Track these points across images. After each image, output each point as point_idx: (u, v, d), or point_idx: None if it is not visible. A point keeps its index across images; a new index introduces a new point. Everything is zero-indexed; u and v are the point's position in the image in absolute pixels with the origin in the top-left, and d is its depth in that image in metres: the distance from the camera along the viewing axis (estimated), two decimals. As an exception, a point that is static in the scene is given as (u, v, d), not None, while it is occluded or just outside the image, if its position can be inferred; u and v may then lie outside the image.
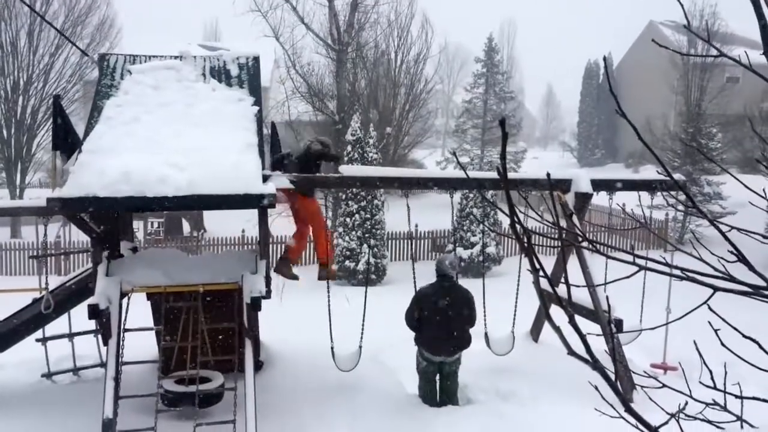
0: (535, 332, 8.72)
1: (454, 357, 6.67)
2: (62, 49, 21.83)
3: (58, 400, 6.83)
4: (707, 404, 1.86)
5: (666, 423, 1.61)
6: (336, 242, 16.98)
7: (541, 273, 1.40)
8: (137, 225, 18.42)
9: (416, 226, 18.84)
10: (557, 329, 1.50)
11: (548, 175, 1.71)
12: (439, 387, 6.84)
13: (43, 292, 6.58)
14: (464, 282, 7.28)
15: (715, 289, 1.68)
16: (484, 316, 7.45)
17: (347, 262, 16.57)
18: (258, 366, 7.11)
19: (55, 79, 22.09)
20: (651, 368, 7.79)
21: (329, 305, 7.02)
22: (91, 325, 7.08)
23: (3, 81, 21.44)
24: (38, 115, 21.88)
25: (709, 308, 1.62)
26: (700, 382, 1.74)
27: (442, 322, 6.51)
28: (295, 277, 7.45)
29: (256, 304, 5.96)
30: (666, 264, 1.80)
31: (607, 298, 1.71)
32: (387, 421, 6.33)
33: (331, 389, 7.00)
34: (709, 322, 1.72)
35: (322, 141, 7.35)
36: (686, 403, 1.68)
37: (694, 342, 1.77)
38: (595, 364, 1.43)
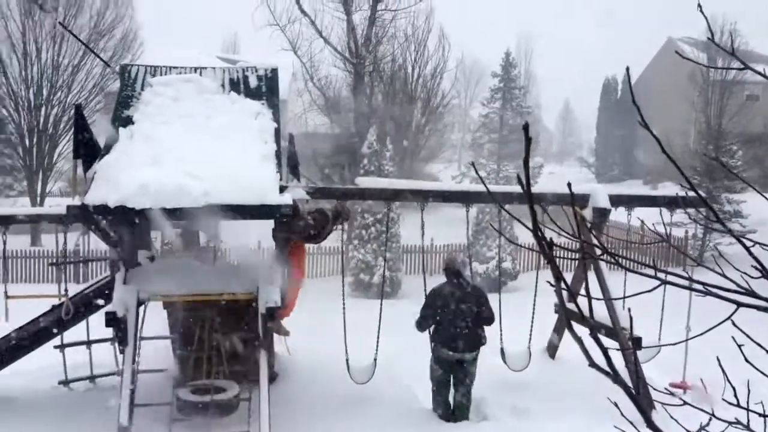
0: (552, 348, 8.63)
1: (473, 355, 6.69)
2: (85, 61, 22.18)
3: (74, 408, 6.86)
4: (729, 423, 1.82)
5: (688, 439, 1.58)
6: (351, 255, 16.98)
7: (562, 284, 1.38)
8: (154, 235, 18.56)
9: (432, 240, 18.80)
10: (579, 340, 1.49)
11: (569, 185, 1.70)
12: (453, 401, 6.81)
13: (63, 298, 6.64)
14: None
15: (738, 304, 1.65)
16: (500, 331, 7.41)
17: (362, 275, 16.56)
18: (273, 377, 7.11)
19: (78, 90, 22.43)
20: (670, 387, 7.68)
21: (344, 318, 7.01)
22: (109, 333, 7.11)
23: (26, 91, 21.80)
24: (60, 125, 22.21)
25: (733, 323, 1.59)
26: (723, 399, 1.71)
27: (459, 319, 6.59)
28: (286, 333, 7.51)
29: (271, 315, 5.98)
30: (687, 278, 1.78)
31: (629, 310, 1.70)
32: (401, 435, 6.29)
33: (345, 401, 6.97)
34: (733, 338, 1.70)
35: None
36: (710, 420, 1.65)
37: (717, 358, 1.74)
38: (616, 378, 1.41)
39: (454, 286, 6.77)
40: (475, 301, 6.73)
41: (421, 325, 6.79)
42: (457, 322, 6.59)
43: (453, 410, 6.78)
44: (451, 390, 6.85)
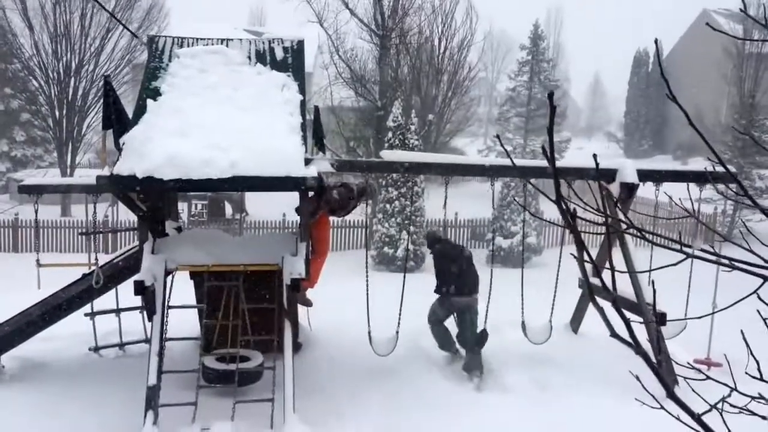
0: (575, 323, 8.62)
1: (476, 296, 7.54)
2: (113, 33, 22.33)
3: (104, 373, 7.05)
4: (753, 397, 1.82)
5: (708, 411, 1.58)
6: (375, 228, 17.04)
7: (585, 255, 1.38)
8: (181, 206, 18.81)
9: (456, 214, 18.78)
10: (600, 309, 1.49)
11: (595, 157, 1.68)
12: (464, 339, 7.47)
13: (93, 267, 6.78)
14: (503, 271, 7.40)
15: (765, 278, 1.63)
16: (522, 305, 7.43)
17: (386, 249, 16.62)
18: (296, 347, 7.22)
19: (106, 62, 22.62)
20: (694, 363, 7.63)
21: (367, 290, 7.06)
22: (138, 301, 7.27)
23: (56, 63, 22.04)
24: (89, 97, 22.47)
25: (759, 297, 1.58)
26: (746, 373, 1.70)
27: (457, 272, 7.50)
28: (309, 304, 7.73)
29: (295, 286, 6.05)
30: (714, 253, 1.77)
31: (652, 283, 1.68)
32: (422, 405, 6.36)
33: (367, 372, 7.06)
34: (758, 311, 1.68)
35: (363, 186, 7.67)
36: (731, 392, 1.65)
37: (741, 332, 1.73)
38: (638, 348, 1.41)
39: (447, 248, 7.84)
40: (465, 256, 7.66)
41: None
42: (456, 274, 7.49)
43: (472, 345, 7.37)
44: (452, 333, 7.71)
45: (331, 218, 7.87)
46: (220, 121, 6.09)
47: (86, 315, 7.39)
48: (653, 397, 2.04)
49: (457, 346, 7.64)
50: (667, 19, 48.09)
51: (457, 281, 7.50)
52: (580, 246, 1.35)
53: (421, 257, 16.52)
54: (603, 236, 7.90)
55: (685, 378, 2.08)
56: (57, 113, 22.47)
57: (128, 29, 16.19)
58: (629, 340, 1.42)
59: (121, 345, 7.85)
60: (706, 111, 26.14)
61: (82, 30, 22.00)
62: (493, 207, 8.30)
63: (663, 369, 6.11)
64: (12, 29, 22.37)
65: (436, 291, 7.63)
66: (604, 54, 64.88)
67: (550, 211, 11.38)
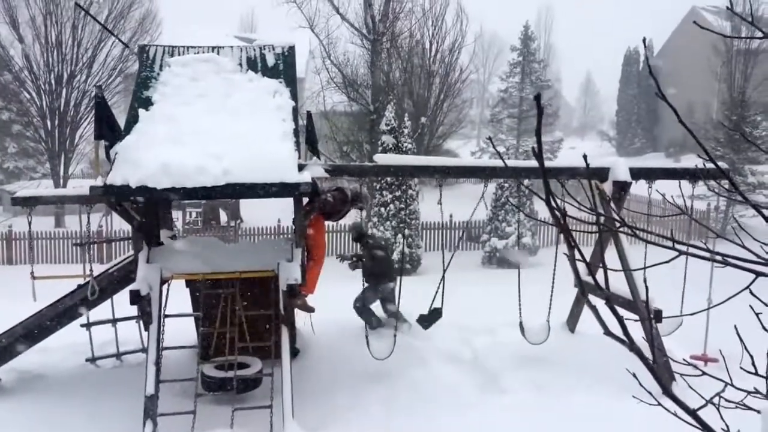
0: (572, 322, 8.63)
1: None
2: (105, 43, 22.28)
3: (101, 384, 7.03)
4: (749, 392, 1.83)
5: (704, 406, 1.59)
6: (370, 232, 17.02)
7: (576, 253, 1.39)
8: (176, 215, 18.77)
9: (451, 216, 18.80)
10: (593, 308, 1.49)
11: (585, 156, 1.69)
12: (388, 315, 8.25)
13: (88, 278, 6.76)
14: (499, 272, 7.36)
15: (757, 274, 1.65)
16: (520, 305, 7.43)
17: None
18: (294, 353, 7.21)
19: (98, 72, 22.56)
20: (691, 359, 7.66)
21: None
22: (133, 311, 7.24)
23: (47, 74, 21.98)
24: (81, 108, 22.39)
25: (751, 293, 1.59)
26: (741, 368, 1.71)
27: (391, 261, 8.92)
28: (311, 310, 7.61)
29: (292, 292, 6.05)
30: (707, 250, 1.78)
31: (645, 280, 1.70)
32: (421, 409, 6.36)
33: (365, 376, 7.05)
34: (751, 306, 1.70)
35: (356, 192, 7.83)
36: (725, 387, 1.66)
37: (735, 327, 1.74)
38: (631, 346, 1.42)
39: (375, 239, 9.54)
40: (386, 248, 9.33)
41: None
42: (390, 263, 8.79)
43: (395, 320, 7.81)
44: (378, 309, 8.47)
45: (326, 222, 7.88)
46: (212, 129, 6.09)
47: (82, 326, 7.37)
48: (650, 393, 2.05)
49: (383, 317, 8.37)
50: (657, 17, 48.25)
51: (389, 270, 8.48)
52: (571, 245, 1.36)
53: (417, 260, 16.52)
54: (598, 236, 7.92)
55: (681, 374, 2.09)
56: (49, 124, 22.40)
57: (120, 40, 16.18)
58: (623, 338, 1.43)
59: (118, 355, 7.82)
60: (698, 107, 26.26)
61: (74, 40, 21.95)
62: (485, 207, 8.33)
63: (659, 365, 6.13)
64: (1, 41, 22.31)
65: (371, 281, 8.21)
66: (596, 53, 65.07)
67: (544, 210, 11.41)
